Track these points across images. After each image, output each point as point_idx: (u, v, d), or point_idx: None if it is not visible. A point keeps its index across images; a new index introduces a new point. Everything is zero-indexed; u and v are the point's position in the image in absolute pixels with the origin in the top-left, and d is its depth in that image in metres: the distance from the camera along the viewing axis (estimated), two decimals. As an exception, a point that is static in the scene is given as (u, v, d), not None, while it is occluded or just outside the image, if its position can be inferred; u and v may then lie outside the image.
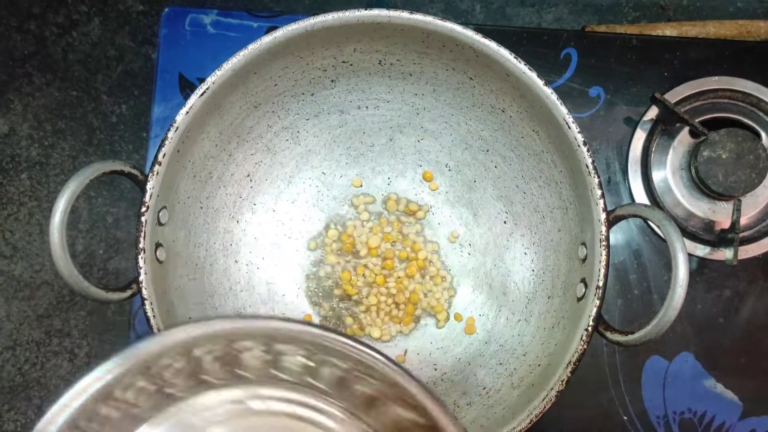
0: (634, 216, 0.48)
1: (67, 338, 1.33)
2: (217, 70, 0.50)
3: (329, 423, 0.40)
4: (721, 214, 0.66)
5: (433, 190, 0.63)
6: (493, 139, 0.58)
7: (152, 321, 0.48)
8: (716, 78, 0.68)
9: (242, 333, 0.35)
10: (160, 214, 0.51)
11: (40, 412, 1.30)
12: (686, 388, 0.65)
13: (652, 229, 0.66)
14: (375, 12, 0.50)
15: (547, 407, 0.47)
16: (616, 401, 0.65)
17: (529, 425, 0.47)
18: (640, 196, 0.67)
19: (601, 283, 0.47)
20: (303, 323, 0.34)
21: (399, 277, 0.62)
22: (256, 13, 0.70)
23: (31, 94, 1.37)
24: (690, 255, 0.65)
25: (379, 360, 0.34)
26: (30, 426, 1.30)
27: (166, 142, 0.49)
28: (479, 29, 0.50)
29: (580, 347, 0.47)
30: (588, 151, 0.48)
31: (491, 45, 0.50)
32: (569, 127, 0.49)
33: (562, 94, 0.49)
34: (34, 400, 1.32)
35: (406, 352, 0.61)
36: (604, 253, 0.48)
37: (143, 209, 0.49)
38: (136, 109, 1.37)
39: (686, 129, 0.67)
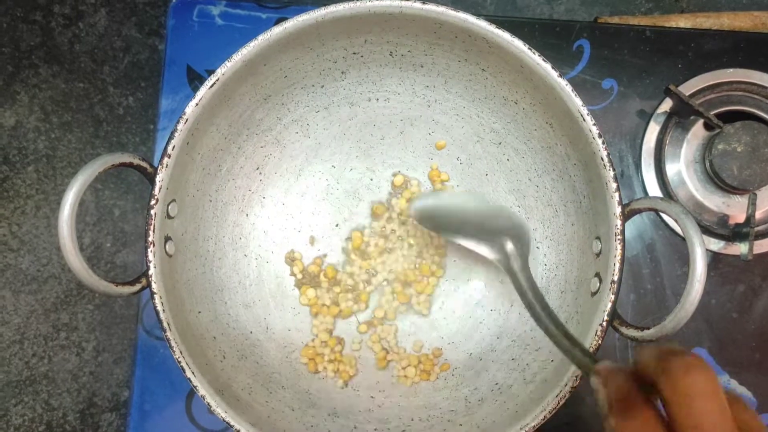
0: (650, 210, 0.48)
1: (74, 332, 1.33)
2: (227, 62, 0.49)
3: None
4: (736, 208, 0.65)
5: (444, 183, 0.62)
6: (505, 132, 0.58)
7: (161, 315, 0.47)
8: (731, 70, 0.67)
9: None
10: (170, 207, 0.50)
11: (48, 406, 1.30)
12: (700, 384, 0.64)
13: (666, 223, 0.66)
14: (387, 2, 0.50)
15: (560, 403, 0.46)
16: (628, 397, 0.64)
17: (543, 421, 0.47)
18: (654, 190, 0.66)
19: (616, 278, 0.47)
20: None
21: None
22: (264, 4, 0.70)
23: (37, 86, 1.37)
24: (704, 249, 0.64)
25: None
26: (37, 420, 1.31)
27: (176, 135, 0.49)
28: (490, 20, 0.49)
29: (595, 342, 0.47)
30: (603, 143, 0.47)
31: (505, 36, 0.49)
32: (584, 120, 0.48)
33: (575, 86, 0.48)
34: (41, 394, 1.32)
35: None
36: (619, 247, 0.47)
37: (153, 202, 0.48)
38: (143, 100, 1.37)
39: (700, 122, 0.66)
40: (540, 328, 0.45)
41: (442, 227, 0.57)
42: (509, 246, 0.50)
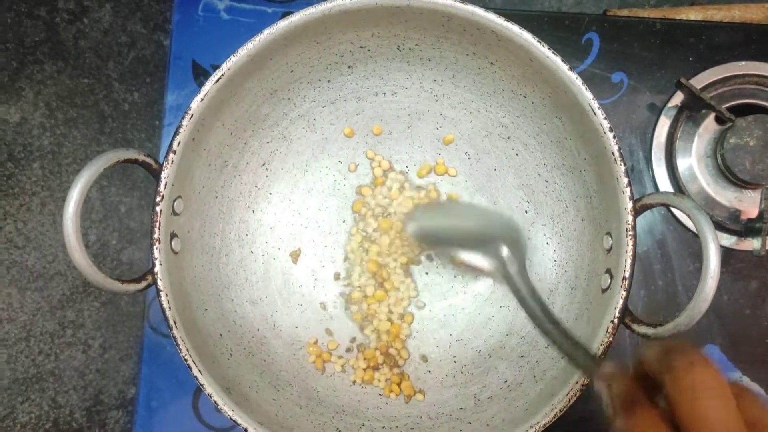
0: (662, 205, 0.47)
1: (80, 329, 1.33)
2: (232, 56, 0.48)
3: None
4: (748, 203, 0.64)
5: (452, 178, 0.61)
6: (514, 126, 0.57)
7: (168, 313, 0.47)
8: (743, 63, 0.66)
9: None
10: (175, 203, 0.50)
11: (54, 403, 1.30)
12: (711, 381, 0.64)
13: (677, 218, 0.65)
14: (394, -5, 0.49)
15: (571, 401, 0.46)
16: (639, 394, 0.64)
17: (553, 419, 0.46)
18: (665, 184, 0.65)
19: (627, 274, 0.46)
20: None
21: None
22: (270, -2, 0.69)
23: (42, 82, 1.36)
24: (716, 245, 0.63)
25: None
26: (44, 418, 1.31)
27: (181, 130, 0.48)
28: (499, 13, 0.49)
29: (606, 340, 0.46)
30: (614, 138, 0.47)
31: (514, 29, 0.48)
32: (594, 114, 0.47)
33: (584, 80, 0.48)
34: (48, 391, 1.32)
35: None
36: (630, 243, 0.46)
37: (158, 199, 0.48)
38: (148, 96, 1.37)
39: (712, 115, 0.65)
40: (541, 333, 0.44)
41: (438, 242, 0.57)
42: (504, 251, 0.49)
